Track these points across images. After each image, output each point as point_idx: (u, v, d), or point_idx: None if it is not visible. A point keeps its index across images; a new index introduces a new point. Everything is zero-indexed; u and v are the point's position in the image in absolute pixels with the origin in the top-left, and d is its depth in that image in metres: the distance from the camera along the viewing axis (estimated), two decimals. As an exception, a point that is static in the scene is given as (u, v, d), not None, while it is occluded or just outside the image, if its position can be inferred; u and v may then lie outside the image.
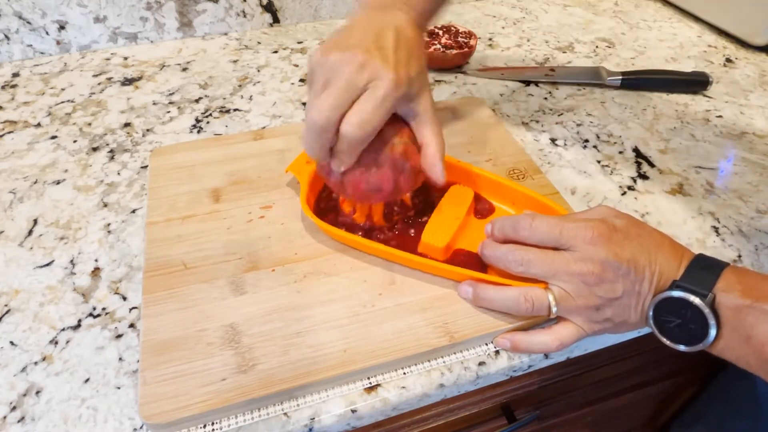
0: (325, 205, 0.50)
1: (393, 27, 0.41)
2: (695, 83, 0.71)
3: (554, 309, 0.39)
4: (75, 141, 0.62)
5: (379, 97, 0.37)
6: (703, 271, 0.37)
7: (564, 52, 0.80)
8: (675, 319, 0.37)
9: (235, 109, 0.68)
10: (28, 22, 0.74)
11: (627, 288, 0.38)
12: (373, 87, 0.38)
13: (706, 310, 0.35)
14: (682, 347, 0.37)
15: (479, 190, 0.52)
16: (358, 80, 0.37)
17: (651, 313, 0.37)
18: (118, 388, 0.39)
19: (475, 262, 0.45)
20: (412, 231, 0.48)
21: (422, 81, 0.42)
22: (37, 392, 0.39)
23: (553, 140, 0.63)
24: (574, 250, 0.38)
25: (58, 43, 0.77)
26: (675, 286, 0.36)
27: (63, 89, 0.71)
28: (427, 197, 0.50)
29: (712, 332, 0.35)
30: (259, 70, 0.75)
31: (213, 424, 0.37)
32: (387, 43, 0.39)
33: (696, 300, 0.35)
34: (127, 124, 0.65)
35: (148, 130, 0.64)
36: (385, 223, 0.48)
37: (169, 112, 0.67)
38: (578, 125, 0.66)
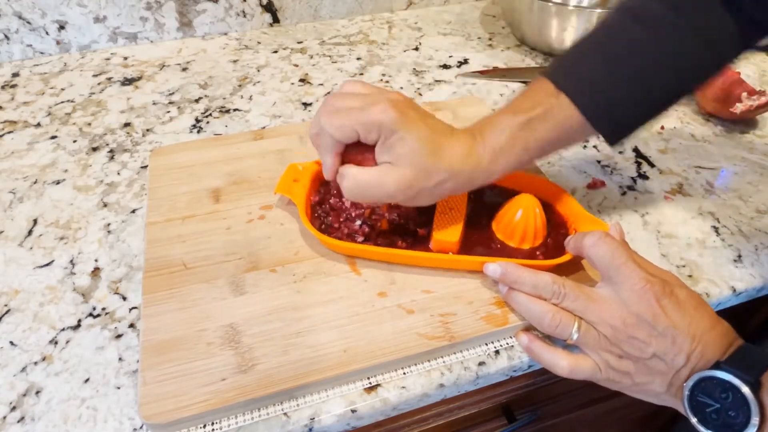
0: (321, 209, 0.50)
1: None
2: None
3: (574, 336, 0.38)
4: (75, 141, 0.62)
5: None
6: (752, 356, 0.34)
7: (564, 52, 0.80)
8: (713, 404, 0.34)
9: (235, 109, 0.68)
10: (28, 22, 0.74)
11: (659, 352, 0.35)
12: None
13: (751, 398, 0.32)
14: None
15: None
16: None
17: (687, 393, 0.35)
18: (118, 388, 0.39)
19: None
20: (421, 234, 0.48)
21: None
22: (37, 392, 0.39)
23: (553, 140, 0.63)
24: (616, 292, 0.37)
25: (58, 43, 0.77)
26: (719, 366, 0.34)
27: (63, 89, 0.71)
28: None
29: (754, 421, 0.32)
30: (259, 70, 0.75)
31: (213, 424, 0.37)
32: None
33: (740, 384, 0.32)
34: (127, 124, 0.65)
35: (148, 130, 0.64)
36: (388, 227, 0.48)
37: (169, 112, 0.67)
38: (578, 125, 0.66)
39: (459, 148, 0.41)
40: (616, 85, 0.42)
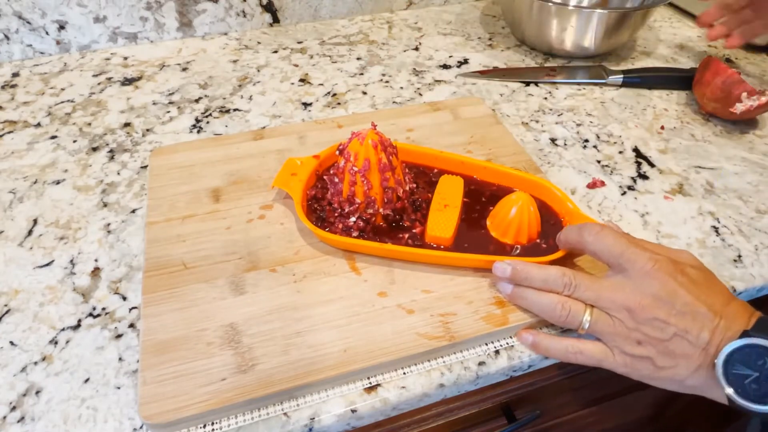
0: (318, 206, 0.50)
1: None
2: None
3: (586, 324, 0.38)
4: (75, 141, 0.62)
5: None
6: None
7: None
8: (752, 373, 0.32)
9: (235, 109, 0.68)
10: (28, 22, 0.74)
11: (680, 331, 0.35)
12: None
13: None
14: (755, 407, 0.32)
15: (482, 177, 0.53)
16: None
17: (721, 365, 0.33)
18: (118, 388, 0.39)
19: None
20: (415, 230, 0.48)
21: None
22: (37, 392, 0.39)
23: (553, 140, 0.63)
24: (627, 277, 0.37)
25: (58, 43, 0.77)
26: (748, 334, 0.33)
27: (63, 89, 0.71)
28: (420, 193, 0.51)
29: None
30: (259, 70, 0.75)
31: (213, 424, 0.37)
32: None
33: None
34: (127, 124, 0.65)
35: (148, 130, 0.64)
36: (383, 222, 0.48)
37: (169, 112, 0.67)
38: (578, 125, 0.66)
39: None
40: None
